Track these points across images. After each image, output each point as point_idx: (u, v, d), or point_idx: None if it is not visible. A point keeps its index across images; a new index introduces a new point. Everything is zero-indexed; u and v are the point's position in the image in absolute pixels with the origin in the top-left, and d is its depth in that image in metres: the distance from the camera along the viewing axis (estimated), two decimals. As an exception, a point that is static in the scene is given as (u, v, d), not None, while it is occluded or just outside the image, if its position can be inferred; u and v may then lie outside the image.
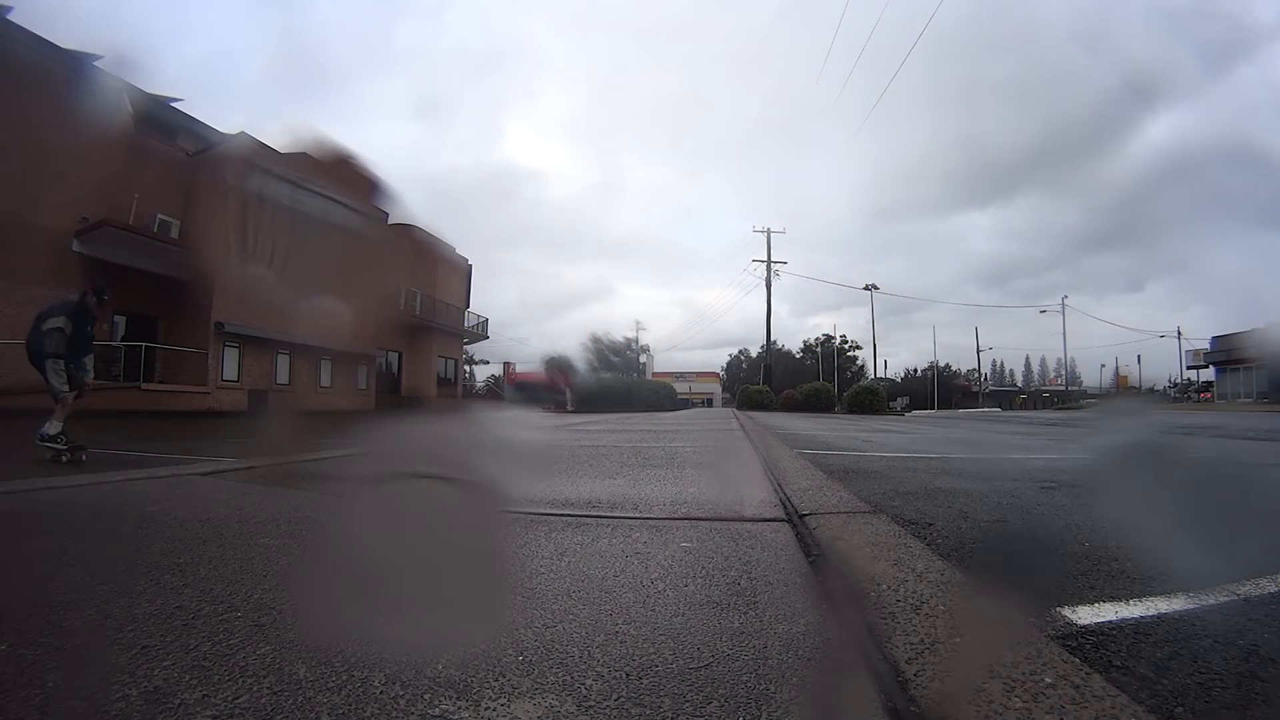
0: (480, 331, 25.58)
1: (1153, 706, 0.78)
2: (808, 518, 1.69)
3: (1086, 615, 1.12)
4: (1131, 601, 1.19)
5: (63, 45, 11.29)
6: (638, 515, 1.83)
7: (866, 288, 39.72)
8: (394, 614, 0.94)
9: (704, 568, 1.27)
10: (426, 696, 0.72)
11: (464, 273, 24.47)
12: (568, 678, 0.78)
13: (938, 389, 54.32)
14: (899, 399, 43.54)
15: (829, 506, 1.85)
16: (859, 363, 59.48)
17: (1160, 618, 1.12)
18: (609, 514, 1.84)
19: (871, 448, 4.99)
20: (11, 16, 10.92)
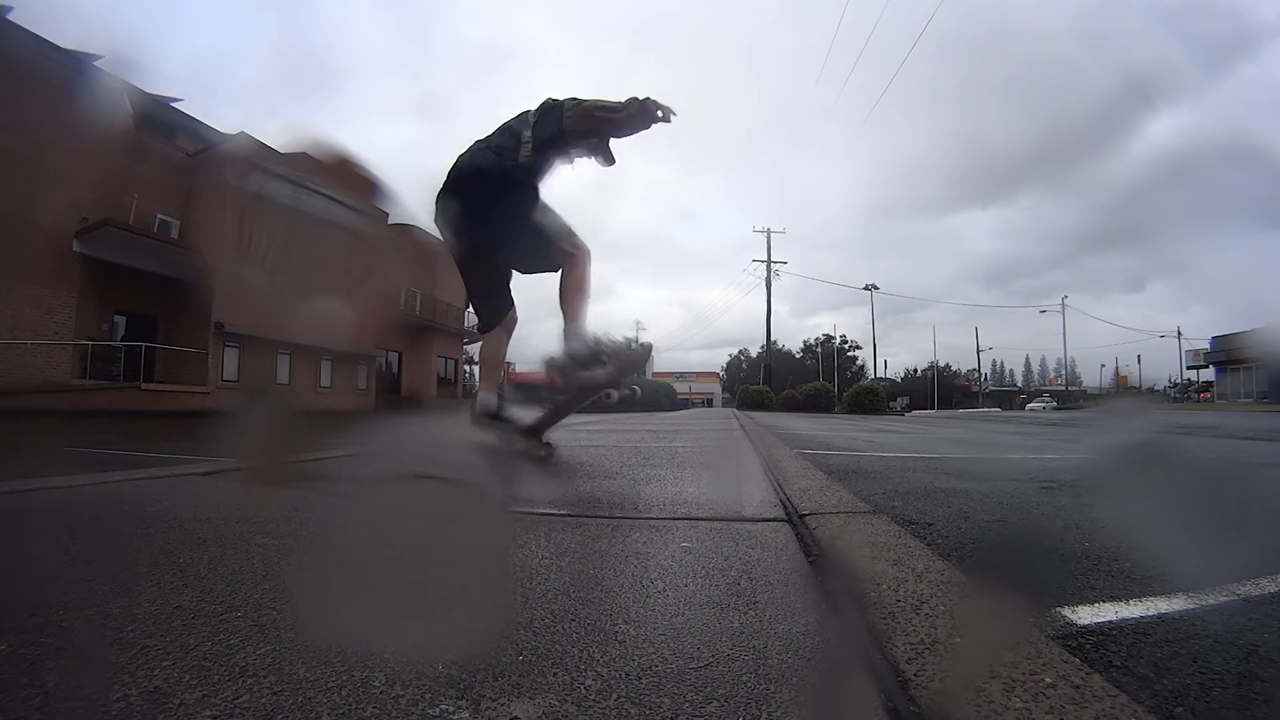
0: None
1: (1153, 706, 0.78)
2: (808, 518, 1.69)
3: (1086, 615, 1.12)
4: (1131, 601, 1.19)
5: (63, 45, 11.29)
6: (638, 515, 1.83)
7: (866, 288, 39.80)
8: (394, 614, 0.94)
9: (704, 568, 1.27)
10: (427, 696, 0.72)
11: (464, 273, 24.44)
12: (568, 678, 0.78)
13: (938, 389, 54.37)
14: (899, 399, 43.55)
15: (829, 506, 1.84)
16: (859, 363, 59.61)
17: (1160, 618, 1.12)
18: (609, 514, 1.84)
19: (871, 448, 4.99)
20: (11, 16, 10.93)
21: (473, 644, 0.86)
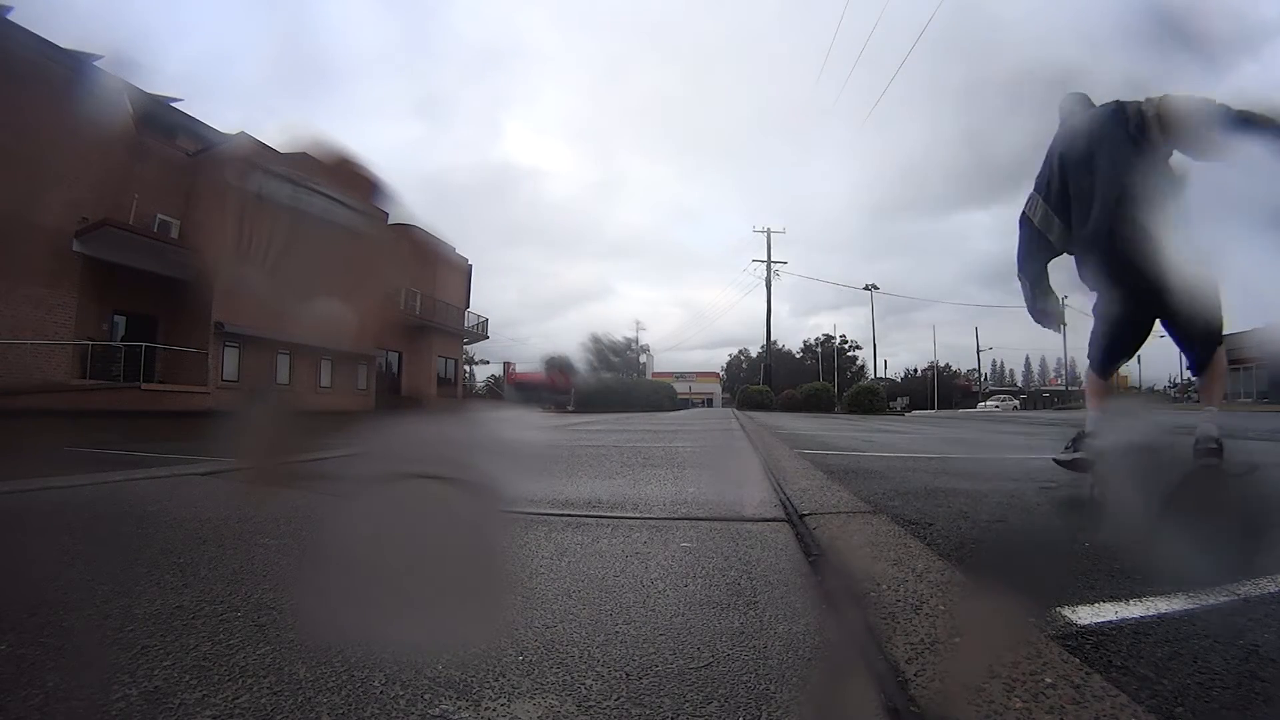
0: (480, 331, 25.61)
1: (1153, 706, 0.78)
2: (808, 518, 1.69)
3: (1086, 615, 1.12)
4: (1131, 601, 1.19)
5: (63, 45, 11.29)
6: (638, 515, 1.83)
7: (866, 288, 39.75)
8: (394, 614, 0.94)
9: (704, 568, 1.27)
10: (426, 696, 0.72)
11: (464, 273, 24.48)
12: (568, 678, 0.78)
13: (938, 389, 54.35)
14: (899, 399, 43.43)
15: (829, 506, 1.85)
16: (859, 363, 59.66)
17: (1160, 618, 1.12)
18: (609, 514, 1.84)
19: (871, 448, 4.98)
20: (11, 16, 10.93)
21: (473, 644, 0.86)
